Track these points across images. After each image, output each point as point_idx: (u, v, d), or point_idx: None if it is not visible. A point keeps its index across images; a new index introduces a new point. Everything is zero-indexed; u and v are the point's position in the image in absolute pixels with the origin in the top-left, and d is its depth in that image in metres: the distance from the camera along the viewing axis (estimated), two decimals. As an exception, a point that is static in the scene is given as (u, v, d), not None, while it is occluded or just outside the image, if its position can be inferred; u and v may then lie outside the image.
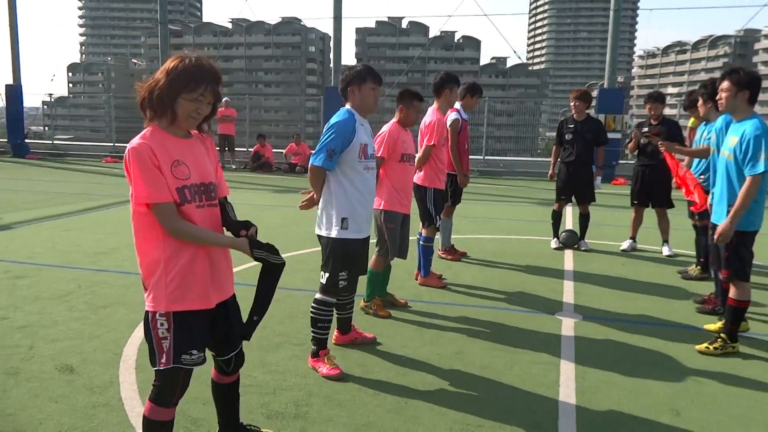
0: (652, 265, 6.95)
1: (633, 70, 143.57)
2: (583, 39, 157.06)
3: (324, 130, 3.86)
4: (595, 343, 4.54)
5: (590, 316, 5.12)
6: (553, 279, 6.28)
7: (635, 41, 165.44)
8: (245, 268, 5.27)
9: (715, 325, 4.75)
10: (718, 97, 4.21)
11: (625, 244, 7.58)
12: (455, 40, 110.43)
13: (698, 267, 6.29)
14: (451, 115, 6.47)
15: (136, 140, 2.32)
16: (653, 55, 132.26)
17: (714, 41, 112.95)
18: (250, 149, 17.99)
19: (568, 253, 7.40)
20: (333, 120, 3.84)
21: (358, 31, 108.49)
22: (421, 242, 5.87)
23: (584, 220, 7.57)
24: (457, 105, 6.57)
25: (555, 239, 7.70)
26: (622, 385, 3.82)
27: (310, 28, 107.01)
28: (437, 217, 5.84)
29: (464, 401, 3.58)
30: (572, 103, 7.36)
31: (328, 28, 18.52)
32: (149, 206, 2.32)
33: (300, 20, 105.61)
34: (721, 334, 4.34)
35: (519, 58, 23.20)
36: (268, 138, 18.22)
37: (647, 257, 7.30)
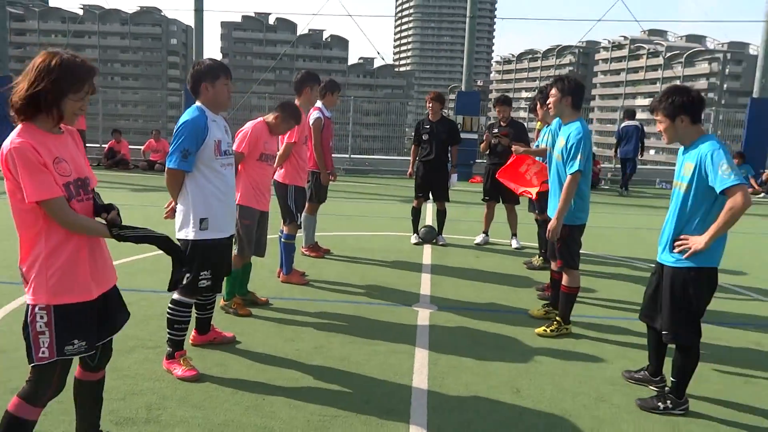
0: (502, 256, 7.46)
1: (491, 75, 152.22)
2: (446, 43, 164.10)
3: (175, 131, 3.74)
4: (448, 331, 4.82)
5: (445, 306, 5.41)
6: (412, 273, 6.55)
7: (493, 48, 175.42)
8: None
9: (538, 311, 5.21)
10: (547, 102, 4.64)
11: (479, 238, 8.07)
12: (323, 39, 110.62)
13: (540, 258, 6.86)
14: (314, 114, 6.53)
15: (15, 139, 2.30)
16: (509, 62, 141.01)
17: (561, 50, 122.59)
18: (103, 145, 16.90)
19: (427, 248, 7.74)
20: (183, 119, 3.72)
21: (224, 25, 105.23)
22: (282, 240, 5.88)
23: (441, 216, 7.96)
24: (319, 104, 6.65)
25: (415, 235, 8.02)
26: (471, 369, 4.10)
27: (172, 20, 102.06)
28: (298, 215, 5.88)
29: (322, 394, 3.65)
30: (428, 105, 7.71)
31: (190, 20, 17.81)
32: (39, 203, 2.32)
33: (160, 11, 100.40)
34: (557, 317, 4.78)
35: (383, 59, 23.79)
36: (126, 134, 17.21)
37: (498, 250, 7.82)
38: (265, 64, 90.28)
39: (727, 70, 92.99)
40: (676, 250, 3.44)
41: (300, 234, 6.39)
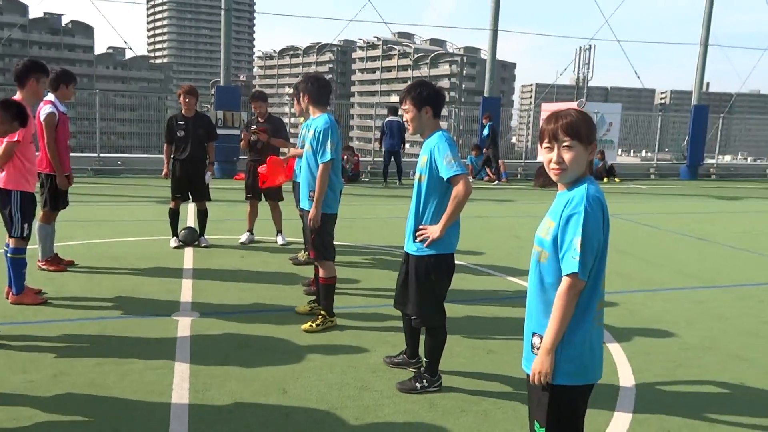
0: (268, 254, 7.37)
1: (254, 70, 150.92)
2: (205, 36, 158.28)
3: None
4: (212, 339, 4.57)
5: (208, 312, 5.14)
6: (172, 279, 6.12)
7: (254, 42, 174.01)
8: None
9: (304, 307, 5.23)
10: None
11: (244, 237, 7.87)
12: (63, 24, 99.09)
13: (306, 253, 6.90)
14: (45, 109, 5.74)
15: None
16: (271, 57, 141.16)
17: (320, 48, 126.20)
18: None
19: (188, 251, 7.32)
20: None
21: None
22: (8, 255, 5.05)
23: (202, 216, 7.58)
24: (51, 97, 5.85)
25: (174, 238, 7.53)
26: (237, 375, 3.93)
27: None
28: (26, 225, 5.06)
29: (63, 430, 3.19)
30: (183, 99, 7.26)
31: None
32: None
33: None
34: (321, 311, 4.83)
35: (131, 49, 22.14)
36: None
37: (264, 248, 7.71)
38: (-10, 50, 77.86)
39: (464, 72, 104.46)
40: (417, 240, 3.66)
41: (33, 246, 5.57)
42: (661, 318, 5.36)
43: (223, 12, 15.64)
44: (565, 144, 2.18)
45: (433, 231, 3.57)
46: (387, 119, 15.62)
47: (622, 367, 4.25)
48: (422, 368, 3.91)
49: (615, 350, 4.55)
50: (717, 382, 4.08)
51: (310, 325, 4.78)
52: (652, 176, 20.00)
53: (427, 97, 3.62)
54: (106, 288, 5.70)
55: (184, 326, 4.80)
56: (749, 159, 41.39)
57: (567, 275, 2.14)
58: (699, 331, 5.06)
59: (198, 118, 7.38)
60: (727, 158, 32.04)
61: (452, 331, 4.49)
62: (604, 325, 2.34)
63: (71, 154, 6.56)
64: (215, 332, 4.70)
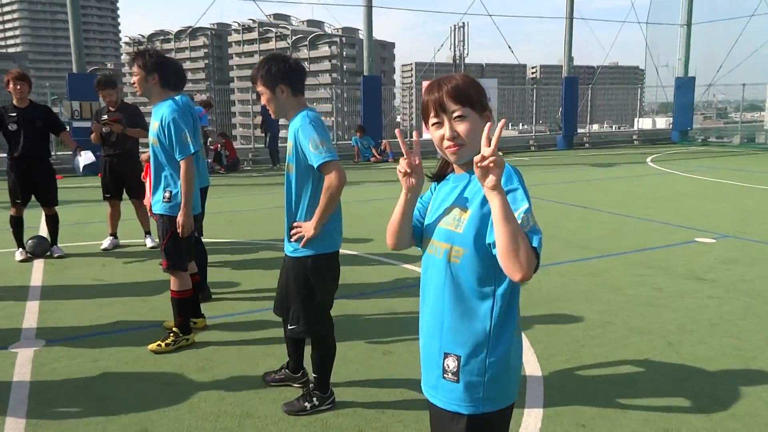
0: (135, 260, 6.52)
1: (122, 57, 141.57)
2: (62, 21, 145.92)
3: None
4: (58, 373, 3.80)
5: (57, 339, 4.34)
6: (14, 302, 5.18)
7: (119, 27, 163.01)
8: None
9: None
10: (132, 81, 3.96)
11: (106, 242, 6.94)
12: None
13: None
14: None
15: None
16: (140, 43, 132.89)
17: (193, 32, 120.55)
18: None
19: (38, 264, 6.33)
20: None
21: None
22: None
23: (52, 222, 6.58)
24: None
25: (20, 250, 6.49)
26: (85, 415, 3.23)
27: None
28: None
29: None
30: (13, 87, 6.18)
31: None
32: None
33: None
34: (174, 328, 4.18)
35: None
36: None
37: (130, 253, 6.84)
38: None
39: (344, 53, 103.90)
40: (292, 239, 3.14)
41: None
42: (559, 295, 5.20)
43: (70, -9, 14.05)
44: (456, 114, 1.72)
45: (307, 229, 3.06)
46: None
47: (525, 353, 3.99)
48: (311, 384, 3.41)
49: (517, 336, 4.29)
50: (622, 361, 3.91)
51: (159, 345, 4.09)
52: (532, 148, 20.59)
53: (278, 73, 3.07)
54: (-75, 320, 4.70)
55: (24, 359, 3.99)
56: (614, 127, 44.23)
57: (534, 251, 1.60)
58: (597, 305, 4.94)
59: (33, 109, 6.34)
60: (595, 127, 33.98)
61: (345, 334, 4.04)
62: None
63: None
64: (63, 364, 3.93)
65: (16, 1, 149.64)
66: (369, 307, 4.99)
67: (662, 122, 32.17)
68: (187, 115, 3.96)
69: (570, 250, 6.77)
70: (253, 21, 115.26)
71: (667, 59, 22.37)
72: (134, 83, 3.93)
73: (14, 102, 6.26)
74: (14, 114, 6.22)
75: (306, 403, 3.29)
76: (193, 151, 3.91)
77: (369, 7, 17.36)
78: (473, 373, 1.73)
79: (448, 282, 1.77)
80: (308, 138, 2.97)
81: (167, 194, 3.98)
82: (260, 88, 3.11)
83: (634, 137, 22.67)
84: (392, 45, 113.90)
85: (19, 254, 6.48)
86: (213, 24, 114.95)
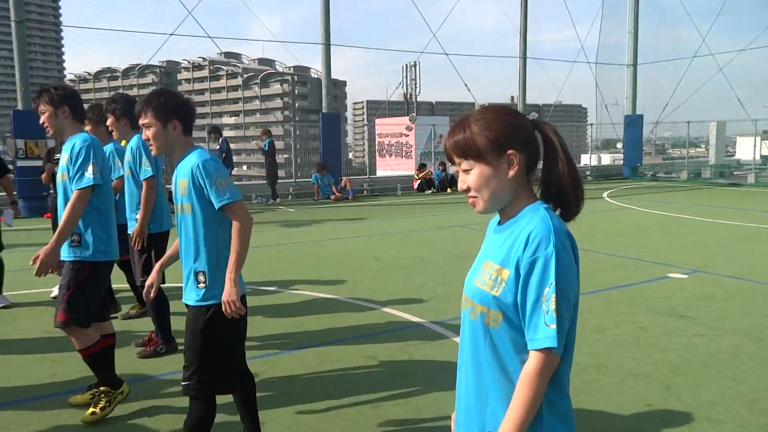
0: (89, 308, 6.04)
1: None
2: (3, 58, 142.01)
3: None
4: (7, 444, 3.36)
5: (4, 403, 3.87)
6: (-47, 358, 4.66)
7: (65, 64, 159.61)
8: None
9: (82, 396, 3.85)
10: (41, 121, 3.73)
11: (56, 290, 6.42)
12: None
13: (138, 304, 5.74)
14: None
15: None
16: (86, 80, 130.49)
17: (142, 69, 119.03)
18: None
19: (-20, 316, 5.78)
20: None
21: None
22: None
23: (-3, 270, 6.07)
24: None
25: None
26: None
27: None
28: None
29: None
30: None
31: None
32: None
33: None
34: (101, 388, 3.73)
35: None
36: None
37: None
38: None
39: (296, 91, 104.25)
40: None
41: None
42: (545, 337, 5.02)
43: (14, 24, 13.50)
44: (462, 167, 1.58)
45: (229, 292, 2.70)
46: (222, 138, 14.86)
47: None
48: None
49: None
50: (622, 408, 3.73)
51: (94, 413, 3.62)
52: (489, 184, 20.72)
53: (174, 107, 2.85)
54: None
55: (-34, 430, 3.52)
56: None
57: (538, 350, 1.45)
58: (585, 346, 4.77)
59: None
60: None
61: (328, 386, 3.74)
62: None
63: None
64: (13, 433, 3.49)
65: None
66: (350, 354, 4.69)
67: (607, 158, 33.20)
68: (100, 148, 3.75)
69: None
70: (204, 59, 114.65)
71: (615, 98, 23.13)
72: (43, 122, 3.69)
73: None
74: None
75: None
76: (92, 182, 3.57)
77: (327, 45, 17.35)
78: None
79: (486, 348, 1.56)
80: (212, 176, 2.73)
81: (76, 237, 3.63)
82: (148, 120, 2.83)
83: (587, 173, 23.19)
84: (343, 83, 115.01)
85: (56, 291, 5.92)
86: (162, 62, 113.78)
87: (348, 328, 5.34)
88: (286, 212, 14.03)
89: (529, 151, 1.56)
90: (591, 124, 25.30)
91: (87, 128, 4.73)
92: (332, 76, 18.07)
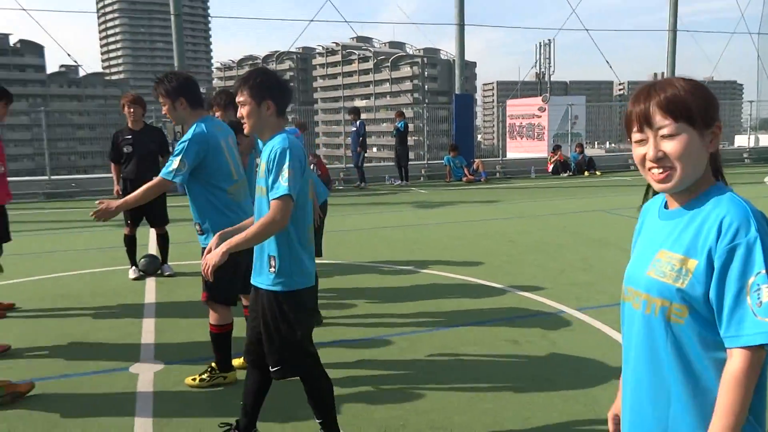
0: (242, 280, 6.51)
1: (214, 82, 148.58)
2: (161, 49, 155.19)
3: None
4: (180, 399, 3.72)
5: (174, 361, 4.29)
6: (131, 319, 5.23)
7: (212, 53, 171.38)
8: None
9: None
10: (163, 111, 3.88)
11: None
12: (11, 45, 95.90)
13: None
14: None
15: None
16: (230, 68, 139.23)
17: (280, 56, 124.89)
18: None
19: (150, 282, 6.42)
20: None
21: None
22: None
23: (162, 241, 6.69)
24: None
25: (133, 268, 6.62)
26: None
27: None
28: None
29: None
30: (128, 110, 6.35)
31: None
32: None
33: None
34: (212, 364, 3.94)
35: (80, 66, 20.99)
36: None
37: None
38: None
39: (426, 73, 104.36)
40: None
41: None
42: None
43: (173, 18, 14.69)
44: (665, 132, 1.40)
45: (213, 257, 2.62)
46: (360, 121, 15.19)
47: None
48: None
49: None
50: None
51: (194, 379, 3.88)
52: (632, 167, 19.59)
53: (270, 87, 2.79)
54: (53, 336, 4.80)
55: (145, 382, 3.95)
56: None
57: (746, 347, 1.29)
58: None
59: (147, 132, 6.50)
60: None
61: (478, 376, 3.72)
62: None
63: (16, 179, 5.64)
64: (183, 388, 3.85)
65: (120, 32, 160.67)
66: (489, 337, 4.66)
67: (765, 139, 30.01)
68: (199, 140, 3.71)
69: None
70: (337, 44, 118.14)
71: (780, 72, 20.81)
72: (165, 113, 3.81)
73: (129, 125, 6.44)
74: (129, 137, 6.40)
75: None
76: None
77: (461, 26, 17.17)
78: None
79: (669, 350, 1.42)
80: (281, 166, 2.66)
81: (198, 227, 3.78)
82: (243, 98, 2.78)
83: (745, 155, 21.16)
84: (474, 64, 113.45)
85: (132, 272, 6.60)
86: (299, 48, 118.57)
87: (486, 310, 5.31)
88: (418, 194, 14.16)
89: (719, 131, 1.43)
90: (751, 102, 22.98)
91: (217, 114, 4.82)
92: (464, 57, 17.86)
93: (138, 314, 5.37)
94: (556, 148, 18.33)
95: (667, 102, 1.40)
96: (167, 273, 6.67)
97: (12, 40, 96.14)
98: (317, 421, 2.95)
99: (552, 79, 51.85)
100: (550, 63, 48.75)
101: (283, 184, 2.62)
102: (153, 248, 7.29)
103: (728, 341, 1.33)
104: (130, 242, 6.59)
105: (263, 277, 2.81)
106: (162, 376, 4.04)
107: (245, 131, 2.86)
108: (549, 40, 48.23)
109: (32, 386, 3.73)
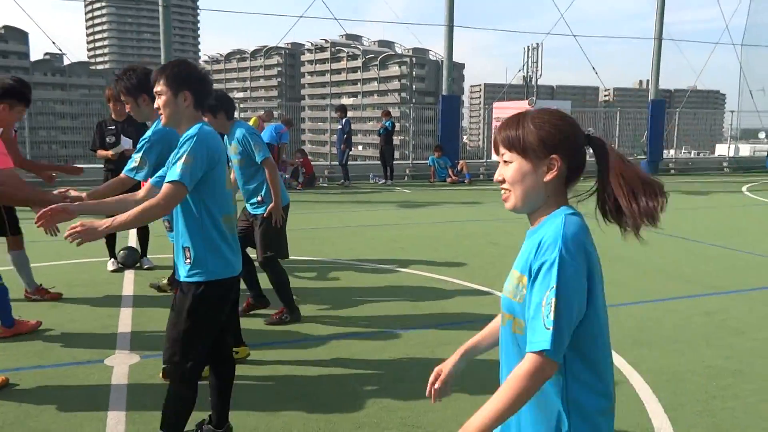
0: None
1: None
2: (148, 41, 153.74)
3: None
4: (153, 390, 3.70)
5: (150, 354, 4.26)
6: (108, 309, 5.20)
7: (200, 46, 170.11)
8: None
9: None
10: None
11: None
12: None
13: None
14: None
15: None
16: (217, 61, 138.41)
17: (268, 51, 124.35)
18: None
19: (129, 275, 6.38)
20: None
21: None
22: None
23: (143, 233, 6.65)
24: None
25: (112, 260, 6.57)
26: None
27: None
28: None
29: None
30: (121, 99, 6.28)
31: None
32: None
33: None
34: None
35: (65, 55, 20.79)
36: None
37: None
38: None
39: (414, 73, 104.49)
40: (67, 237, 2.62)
41: None
42: (675, 337, 4.75)
43: (161, 9, 14.58)
44: (504, 158, 1.61)
45: (89, 231, 2.53)
46: (346, 119, 15.19)
47: (650, 403, 3.60)
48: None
49: (635, 379, 3.90)
50: (761, 417, 3.46)
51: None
52: (613, 173, 19.72)
53: (187, 78, 2.75)
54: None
55: (120, 374, 3.93)
56: (692, 153, 42.35)
57: (533, 352, 1.43)
58: (721, 349, 4.46)
59: (131, 122, 6.44)
60: (672, 152, 32.56)
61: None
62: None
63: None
64: (158, 381, 3.83)
65: (107, 21, 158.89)
66: (467, 337, 4.68)
67: (746, 149, 30.47)
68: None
69: (678, 285, 6.26)
70: (326, 41, 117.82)
71: (762, 83, 21.15)
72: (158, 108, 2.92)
73: (113, 116, 6.39)
74: (113, 127, 6.35)
75: None
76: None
77: (450, 27, 17.22)
78: None
79: (519, 358, 1.53)
80: (181, 153, 2.66)
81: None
82: (160, 88, 2.74)
83: (724, 164, 21.46)
84: (461, 65, 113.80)
85: (111, 264, 6.55)
86: (287, 44, 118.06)
87: (466, 312, 5.34)
88: (402, 193, 14.19)
89: (573, 161, 1.57)
90: (732, 111, 23.32)
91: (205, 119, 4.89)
92: (453, 59, 17.92)
93: (116, 305, 5.34)
94: (540, 152, 18.45)
95: (506, 137, 1.59)
96: (146, 266, 6.63)
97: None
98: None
99: (539, 82, 52.19)
100: (537, 67, 49.05)
101: (176, 170, 2.61)
102: (133, 240, 7.24)
103: (526, 346, 1.47)
104: (109, 234, 6.53)
105: (181, 269, 2.80)
106: (137, 368, 4.03)
107: (162, 123, 2.81)
108: (537, 44, 48.53)
109: (5, 379, 3.70)
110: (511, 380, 1.45)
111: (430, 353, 4.36)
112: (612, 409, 1.57)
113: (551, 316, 1.40)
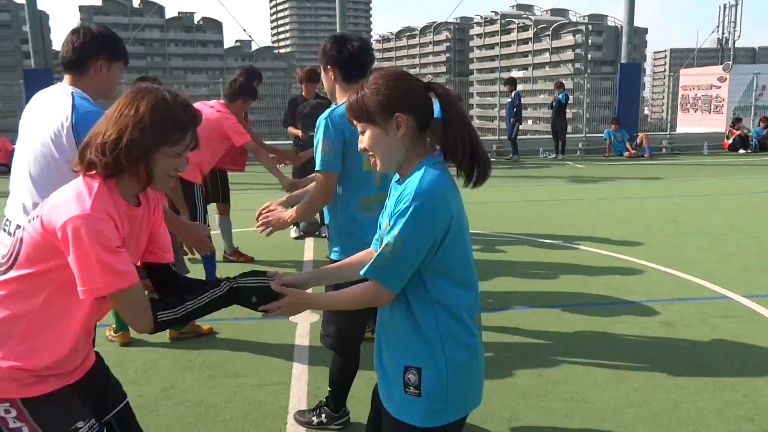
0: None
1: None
2: (325, 23, 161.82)
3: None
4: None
5: (328, 314, 4.63)
6: (292, 271, 5.69)
7: (371, 26, 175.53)
8: None
9: None
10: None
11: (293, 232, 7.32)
12: (195, 22, 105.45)
13: None
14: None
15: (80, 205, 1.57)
16: (388, 39, 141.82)
17: (437, 27, 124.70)
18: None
19: (309, 242, 6.92)
20: (84, 109, 2.40)
21: (83, 9, 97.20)
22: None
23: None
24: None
25: (294, 228, 7.17)
26: (365, 393, 3.35)
27: (20, 4, 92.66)
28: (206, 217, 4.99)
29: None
30: (300, 84, 6.90)
31: (43, 5, 15.75)
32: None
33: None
34: None
35: (253, 40, 22.74)
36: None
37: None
38: (134, 51, 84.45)
39: (590, 41, 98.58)
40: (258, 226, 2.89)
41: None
42: None
43: (337, -6, 15.31)
44: (360, 129, 1.70)
45: (284, 215, 2.79)
46: (515, 92, 14.90)
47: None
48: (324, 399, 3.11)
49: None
50: None
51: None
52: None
53: (330, 52, 2.71)
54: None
55: (303, 331, 4.33)
56: None
57: (371, 279, 1.63)
58: None
59: (319, 103, 6.95)
60: None
61: (626, 354, 3.62)
62: None
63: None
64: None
65: (288, 7, 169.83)
66: (643, 317, 4.48)
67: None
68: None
69: None
70: (495, 13, 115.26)
71: None
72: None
73: (304, 94, 6.99)
74: (305, 103, 6.92)
75: (314, 418, 3.07)
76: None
77: (631, -11, 16.01)
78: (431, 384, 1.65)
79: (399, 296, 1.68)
80: (316, 139, 2.71)
81: None
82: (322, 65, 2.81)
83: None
84: (644, 31, 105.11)
85: (293, 232, 7.15)
86: (456, 18, 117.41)
87: (641, 291, 5.07)
88: (574, 168, 13.63)
89: (418, 112, 1.64)
90: None
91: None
92: (634, 24, 16.66)
93: (298, 268, 5.85)
94: (736, 122, 16.63)
95: (350, 108, 1.68)
96: (324, 234, 7.12)
97: (196, 18, 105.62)
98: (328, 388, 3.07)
99: (737, 45, 46.68)
100: (735, 27, 43.83)
101: (318, 162, 2.68)
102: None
103: (368, 272, 1.64)
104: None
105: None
106: (317, 325, 4.39)
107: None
108: (736, 0, 43.29)
109: (210, 329, 4.28)
110: (350, 291, 1.70)
111: (600, 328, 4.23)
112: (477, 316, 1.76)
113: (389, 251, 1.57)
